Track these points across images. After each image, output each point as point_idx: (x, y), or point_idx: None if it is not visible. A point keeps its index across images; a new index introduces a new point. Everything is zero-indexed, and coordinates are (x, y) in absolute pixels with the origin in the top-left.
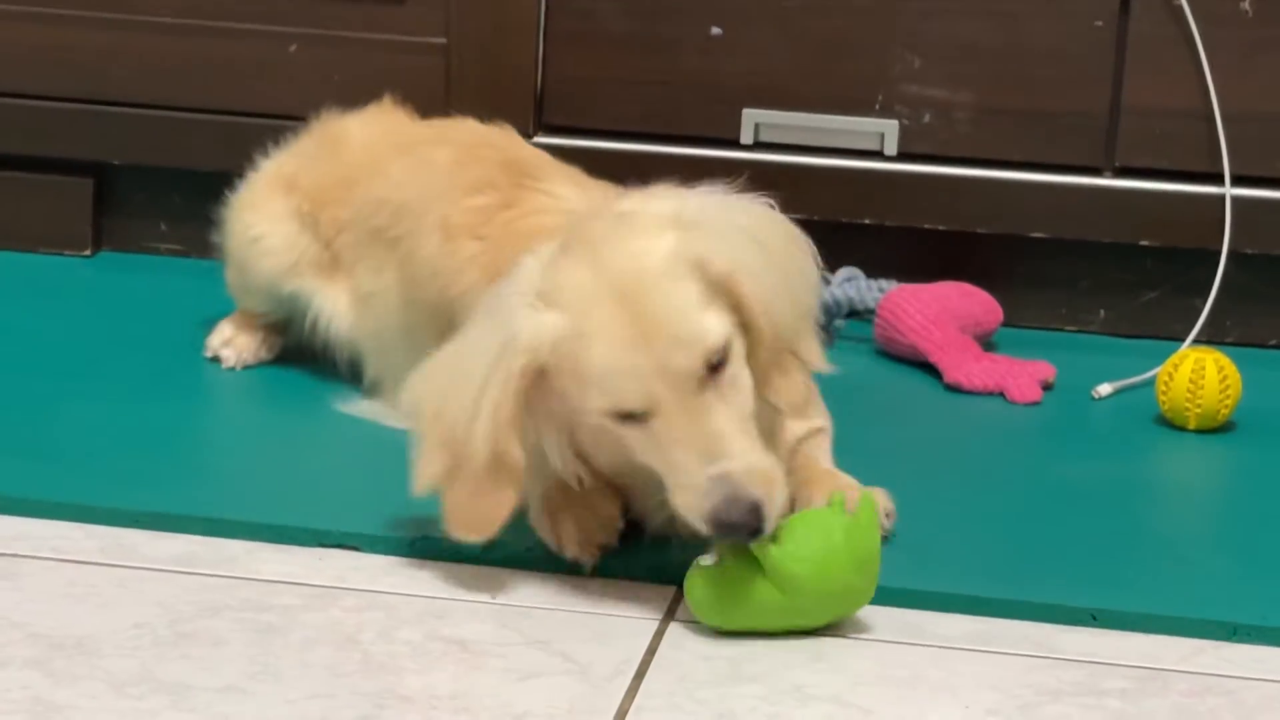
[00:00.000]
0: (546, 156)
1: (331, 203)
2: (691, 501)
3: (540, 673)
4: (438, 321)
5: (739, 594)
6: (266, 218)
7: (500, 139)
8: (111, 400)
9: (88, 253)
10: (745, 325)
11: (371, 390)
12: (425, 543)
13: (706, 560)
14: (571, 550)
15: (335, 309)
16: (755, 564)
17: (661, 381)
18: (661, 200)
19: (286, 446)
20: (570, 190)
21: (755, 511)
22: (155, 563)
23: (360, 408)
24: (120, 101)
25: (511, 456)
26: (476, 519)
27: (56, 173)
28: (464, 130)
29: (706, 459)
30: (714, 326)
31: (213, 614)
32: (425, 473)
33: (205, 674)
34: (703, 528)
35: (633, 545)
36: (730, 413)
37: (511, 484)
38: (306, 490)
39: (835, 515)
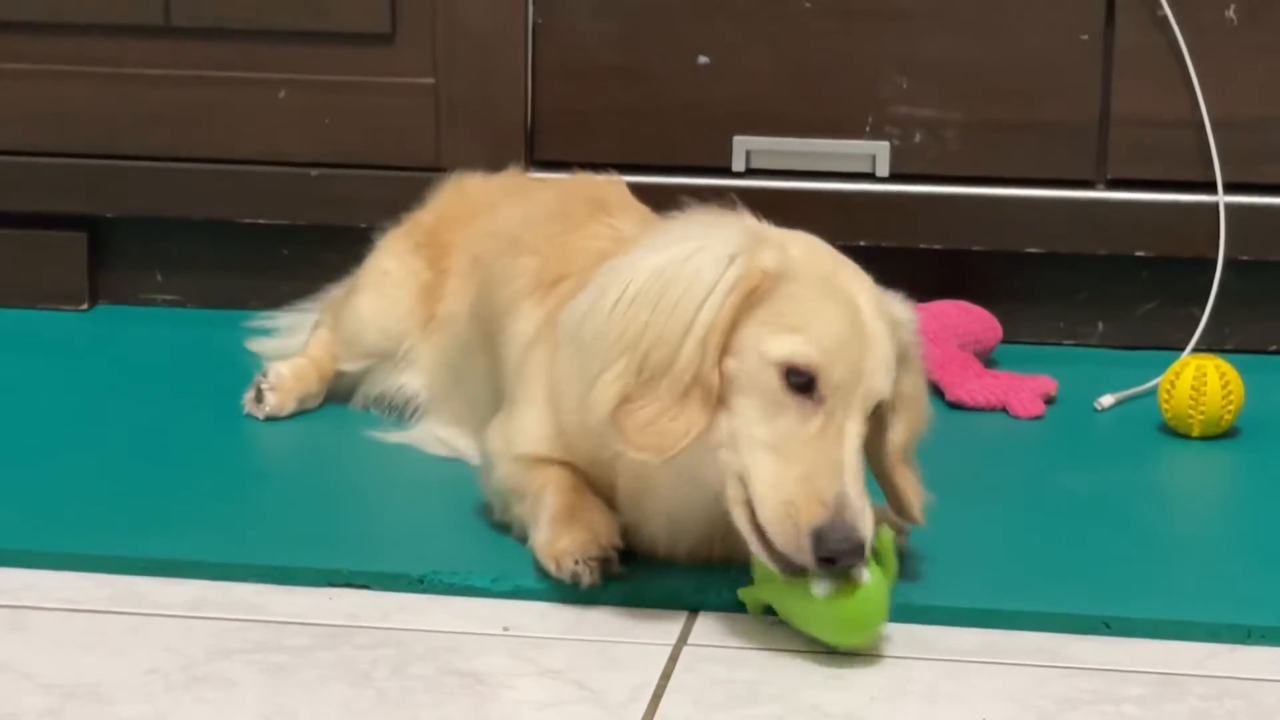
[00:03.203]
0: (636, 203)
1: (446, 232)
2: (800, 506)
3: (556, 702)
4: (485, 339)
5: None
6: (395, 256)
7: (603, 184)
8: (115, 451)
9: (85, 306)
10: (891, 407)
11: (420, 417)
12: (434, 578)
13: (820, 590)
14: (569, 565)
15: (422, 350)
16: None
17: (856, 380)
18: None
19: (291, 489)
20: (632, 226)
21: (858, 552)
22: (166, 608)
23: (400, 434)
24: (112, 154)
25: (712, 378)
26: (662, 439)
27: (50, 228)
28: (577, 179)
29: (833, 475)
30: (893, 377)
31: (225, 657)
32: (608, 392)
33: (220, 717)
34: (790, 535)
35: (641, 573)
36: (860, 460)
37: (705, 407)
38: (314, 531)
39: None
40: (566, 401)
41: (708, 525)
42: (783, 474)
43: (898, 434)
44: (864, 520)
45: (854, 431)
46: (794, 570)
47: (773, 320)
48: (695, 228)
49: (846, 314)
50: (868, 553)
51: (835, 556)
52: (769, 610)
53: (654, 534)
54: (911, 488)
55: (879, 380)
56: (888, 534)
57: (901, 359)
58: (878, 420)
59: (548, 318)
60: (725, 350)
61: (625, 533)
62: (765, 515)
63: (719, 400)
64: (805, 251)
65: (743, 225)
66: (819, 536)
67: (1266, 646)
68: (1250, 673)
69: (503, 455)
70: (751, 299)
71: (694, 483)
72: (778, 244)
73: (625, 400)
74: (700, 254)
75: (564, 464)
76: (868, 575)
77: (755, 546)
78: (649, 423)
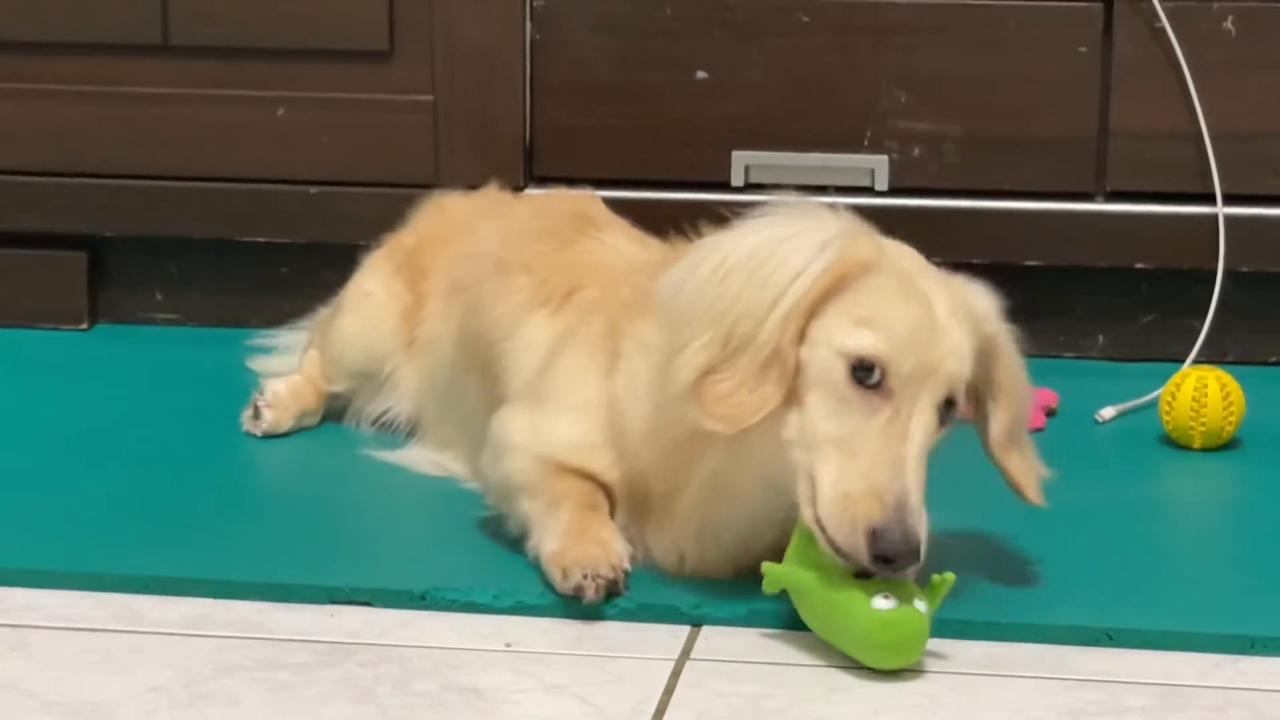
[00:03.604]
0: (618, 219)
1: (425, 254)
2: (858, 501)
3: (558, 717)
4: (477, 359)
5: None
6: (377, 277)
7: (580, 200)
8: (115, 469)
9: (84, 326)
10: (990, 397)
11: (411, 438)
12: (436, 595)
13: (883, 604)
14: (576, 576)
15: (404, 373)
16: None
17: (925, 373)
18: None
19: (292, 506)
20: (625, 242)
21: (914, 555)
22: (167, 626)
23: (394, 455)
24: (110, 173)
25: (789, 356)
26: (735, 411)
27: (49, 247)
28: (551, 196)
29: (894, 472)
30: (969, 374)
31: (227, 674)
32: (693, 362)
33: None
34: (847, 531)
35: (644, 587)
36: (925, 458)
37: (780, 386)
38: (315, 548)
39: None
40: (634, 408)
41: (778, 532)
42: (845, 469)
43: (999, 423)
44: (922, 523)
45: (921, 426)
46: (860, 568)
47: (850, 311)
48: (796, 214)
49: (920, 308)
50: (923, 557)
51: (893, 558)
52: (782, 593)
53: (711, 549)
54: (1022, 472)
55: (950, 368)
56: (951, 577)
57: (991, 350)
58: (980, 412)
59: (569, 329)
60: (804, 337)
61: (651, 550)
62: (823, 510)
63: (794, 394)
64: (895, 249)
65: (843, 217)
66: (875, 535)
67: (1269, 657)
68: (1254, 683)
69: (523, 449)
70: (839, 285)
71: (772, 488)
72: (873, 238)
73: (709, 372)
74: (799, 236)
75: (588, 478)
76: (923, 606)
77: (823, 543)
78: (728, 394)
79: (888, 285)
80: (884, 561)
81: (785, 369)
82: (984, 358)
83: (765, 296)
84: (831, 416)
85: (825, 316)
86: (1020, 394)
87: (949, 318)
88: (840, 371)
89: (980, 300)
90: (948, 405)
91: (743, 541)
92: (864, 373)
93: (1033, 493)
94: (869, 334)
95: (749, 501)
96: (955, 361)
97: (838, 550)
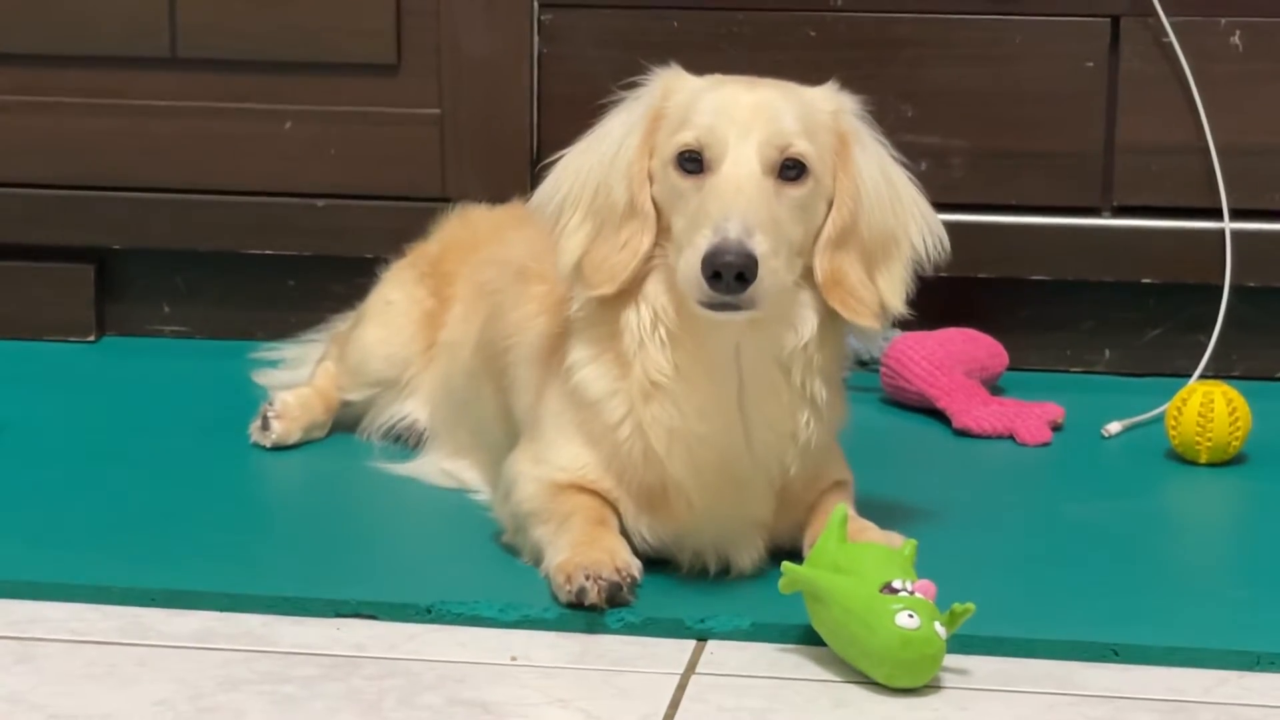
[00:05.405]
0: None
1: (450, 261)
2: (697, 243)
3: None
4: (491, 365)
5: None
6: (399, 286)
7: None
8: (122, 482)
9: (92, 338)
10: (835, 206)
11: (424, 447)
12: (442, 608)
13: (908, 622)
14: (579, 579)
15: (423, 378)
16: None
17: (739, 137)
18: None
19: (299, 519)
20: None
21: (745, 263)
22: (173, 640)
23: (402, 467)
24: (118, 186)
25: (644, 200)
26: (610, 271)
27: (57, 260)
28: None
29: (716, 208)
30: (799, 131)
31: (233, 688)
32: (569, 245)
33: None
34: (691, 272)
35: (649, 601)
36: (775, 220)
37: (646, 230)
38: (321, 561)
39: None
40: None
41: (776, 468)
42: (692, 240)
43: (830, 222)
44: (751, 237)
45: (758, 186)
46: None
47: (668, 130)
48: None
49: (725, 93)
50: (761, 270)
51: (721, 269)
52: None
53: (713, 475)
54: (836, 279)
55: (759, 128)
56: (971, 606)
57: (839, 146)
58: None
59: (554, 337)
60: (654, 179)
61: (663, 527)
62: (678, 277)
63: (666, 232)
64: (715, 75)
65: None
66: (706, 258)
67: (1275, 673)
68: (1259, 699)
69: (527, 476)
70: (658, 120)
71: (744, 360)
72: (675, 71)
73: (588, 244)
74: (618, 110)
75: (595, 494)
76: (942, 630)
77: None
78: (604, 259)
79: (694, 91)
80: (719, 278)
81: (645, 215)
82: (830, 151)
83: (605, 161)
84: (680, 213)
85: (658, 149)
86: (869, 200)
87: (763, 93)
88: (672, 174)
89: (818, 92)
90: (788, 168)
91: (742, 454)
92: (689, 163)
93: (848, 309)
94: (683, 130)
95: (728, 395)
96: (765, 121)
97: (693, 299)
